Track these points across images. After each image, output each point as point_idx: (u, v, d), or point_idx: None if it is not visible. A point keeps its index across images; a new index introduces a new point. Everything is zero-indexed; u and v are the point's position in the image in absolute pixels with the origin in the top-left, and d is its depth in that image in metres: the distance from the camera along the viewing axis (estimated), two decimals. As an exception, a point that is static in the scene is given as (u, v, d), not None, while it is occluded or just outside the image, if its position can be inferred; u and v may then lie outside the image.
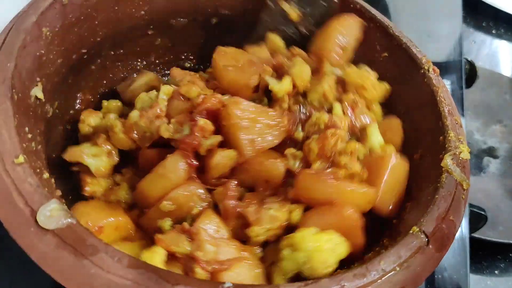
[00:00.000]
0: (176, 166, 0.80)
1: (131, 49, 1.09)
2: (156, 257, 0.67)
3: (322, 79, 0.91)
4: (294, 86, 0.90)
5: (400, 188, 0.84)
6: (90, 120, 0.93)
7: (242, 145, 0.80)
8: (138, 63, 1.13)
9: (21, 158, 0.64)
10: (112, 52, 1.05)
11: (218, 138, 0.81)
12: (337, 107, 0.90)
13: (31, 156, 0.71)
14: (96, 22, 0.94)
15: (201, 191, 0.82)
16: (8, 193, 0.61)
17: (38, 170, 0.70)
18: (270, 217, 0.79)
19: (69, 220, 0.59)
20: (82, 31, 0.92)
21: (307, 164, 0.84)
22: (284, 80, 0.89)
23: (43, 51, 0.82)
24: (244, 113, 0.81)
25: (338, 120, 0.86)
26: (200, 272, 0.68)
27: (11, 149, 0.65)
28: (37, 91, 0.81)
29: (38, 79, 0.82)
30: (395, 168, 0.83)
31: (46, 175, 0.74)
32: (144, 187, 0.82)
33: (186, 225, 0.74)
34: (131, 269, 0.56)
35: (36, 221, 0.58)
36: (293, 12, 1.00)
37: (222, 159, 0.81)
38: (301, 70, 0.91)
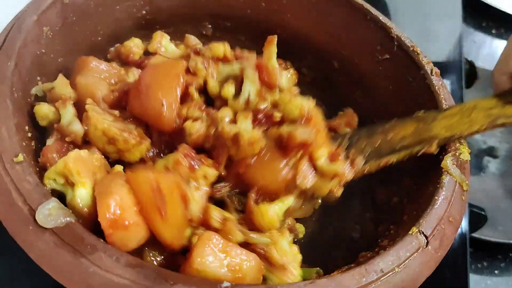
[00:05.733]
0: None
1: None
2: None
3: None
4: None
5: None
6: None
7: None
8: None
9: (21, 157, 0.64)
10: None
11: None
12: None
13: (31, 154, 0.72)
14: (98, 21, 0.94)
15: None
16: (7, 192, 0.61)
17: (37, 169, 0.70)
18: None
19: (68, 219, 0.59)
20: (83, 30, 0.92)
21: None
22: None
23: (43, 50, 0.83)
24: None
25: None
26: None
27: (10, 147, 0.65)
28: (38, 90, 0.81)
29: (38, 78, 0.82)
30: None
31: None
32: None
33: None
34: (129, 268, 0.56)
35: (35, 219, 0.58)
36: None
37: None
38: None
